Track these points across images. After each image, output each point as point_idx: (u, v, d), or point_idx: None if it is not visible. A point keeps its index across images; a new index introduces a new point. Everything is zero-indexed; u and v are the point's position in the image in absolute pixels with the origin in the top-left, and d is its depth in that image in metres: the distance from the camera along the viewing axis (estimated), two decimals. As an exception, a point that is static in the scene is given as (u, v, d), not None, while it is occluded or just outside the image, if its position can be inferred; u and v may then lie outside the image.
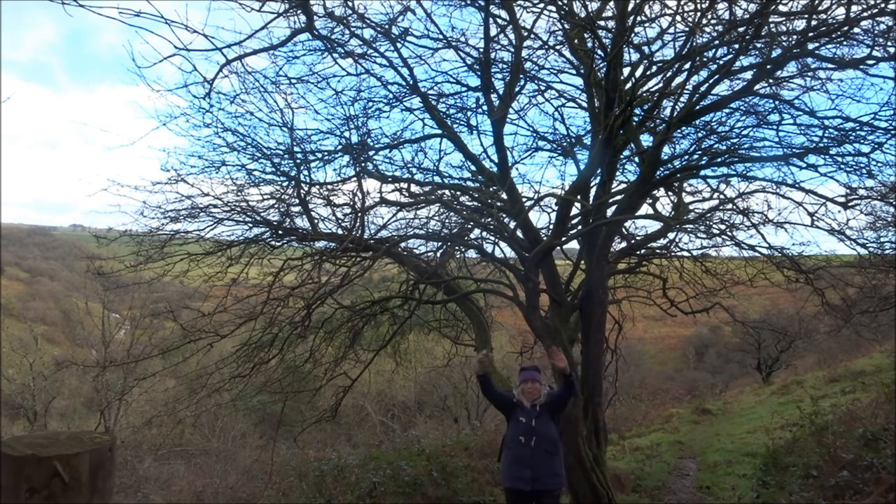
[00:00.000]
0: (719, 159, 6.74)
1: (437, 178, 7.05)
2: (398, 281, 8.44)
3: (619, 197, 7.04)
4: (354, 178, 6.21)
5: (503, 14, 5.88)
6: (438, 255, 7.82)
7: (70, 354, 21.35)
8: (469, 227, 7.45)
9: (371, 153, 6.48)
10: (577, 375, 5.63)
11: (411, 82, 5.85)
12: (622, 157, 7.03)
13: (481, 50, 5.61)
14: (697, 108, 5.58)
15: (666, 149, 6.70)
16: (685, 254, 8.81)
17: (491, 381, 5.14)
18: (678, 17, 5.40)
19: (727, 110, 6.39)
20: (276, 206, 6.34)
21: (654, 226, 8.34)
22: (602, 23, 6.29)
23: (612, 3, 6.35)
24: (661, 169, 6.61)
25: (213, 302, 6.67)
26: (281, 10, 4.78)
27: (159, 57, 4.39)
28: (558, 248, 7.34)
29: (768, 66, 5.30)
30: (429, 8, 6.26)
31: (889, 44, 4.97)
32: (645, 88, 6.09)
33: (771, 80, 5.85)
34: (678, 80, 5.72)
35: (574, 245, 7.98)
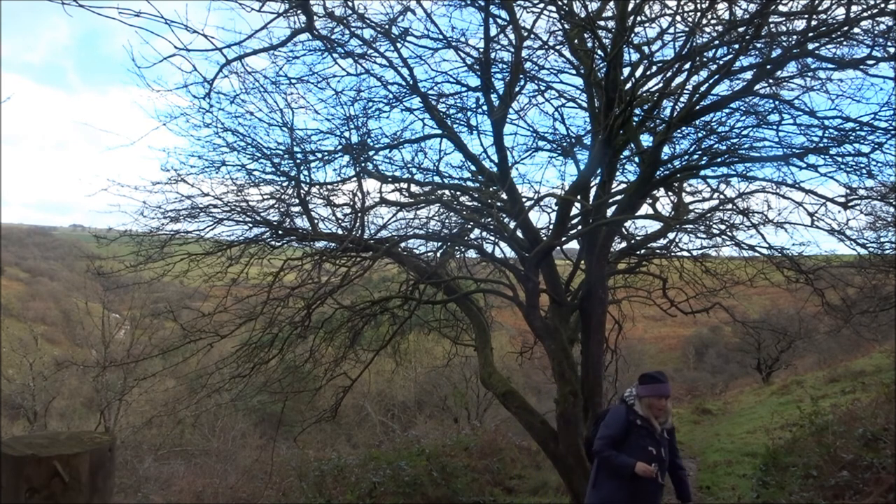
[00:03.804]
0: (719, 159, 6.74)
1: (437, 178, 7.05)
2: (398, 281, 8.42)
3: (619, 197, 7.04)
4: (354, 178, 6.20)
5: (503, 14, 5.87)
6: (438, 255, 7.82)
7: (70, 354, 21.31)
8: (469, 227, 7.44)
9: (371, 153, 6.48)
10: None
11: (411, 82, 5.85)
12: (622, 157, 7.03)
13: (481, 50, 5.60)
14: (697, 108, 5.58)
15: (666, 149, 6.69)
16: (685, 254, 8.80)
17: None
18: (678, 17, 5.40)
19: (727, 110, 6.38)
20: (276, 206, 6.33)
21: (654, 226, 8.34)
22: (602, 23, 6.29)
23: (612, 3, 6.34)
24: (661, 169, 6.61)
25: (213, 302, 6.66)
26: (281, 10, 4.78)
27: (160, 57, 4.40)
28: (558, 248, 7.34)
29: (768, 66, 5.30)
30: (429, 8, 6.26)
31: (889, 44, 4.96)
32: (645, 88, 6.08)
33: (771, 80, 5.84)
34: (678, 80, 5.71)
35: (574, 245, 7.98)
